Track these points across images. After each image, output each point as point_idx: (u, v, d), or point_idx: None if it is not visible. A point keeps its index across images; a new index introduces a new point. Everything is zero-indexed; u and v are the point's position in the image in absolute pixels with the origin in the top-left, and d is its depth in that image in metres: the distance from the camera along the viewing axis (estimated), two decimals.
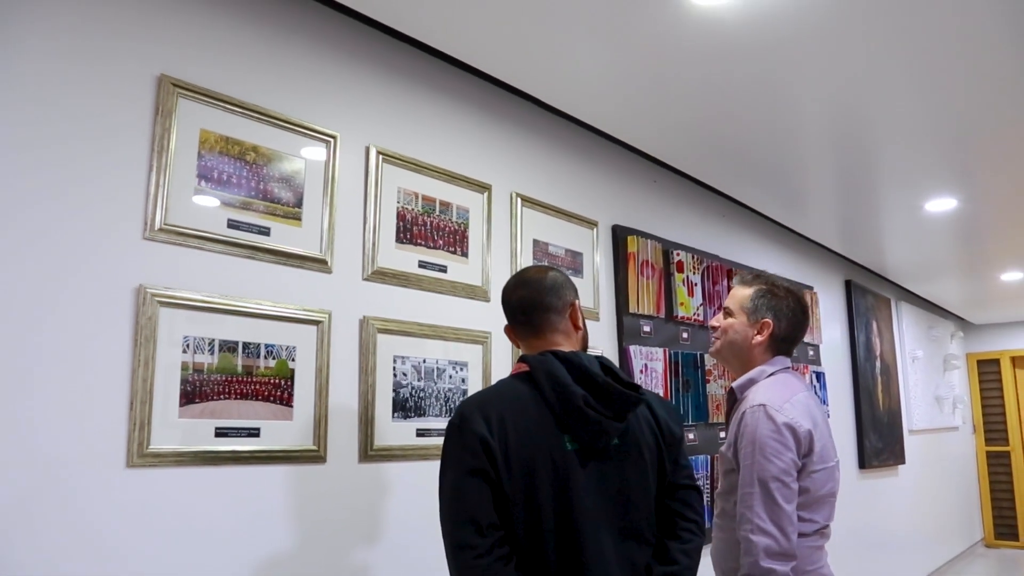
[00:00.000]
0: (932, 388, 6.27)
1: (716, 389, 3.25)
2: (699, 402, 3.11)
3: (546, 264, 1.53)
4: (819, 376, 4.14)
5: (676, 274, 3.12)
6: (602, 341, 2.71)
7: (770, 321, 1.77)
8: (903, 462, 5.33)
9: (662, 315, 3.00)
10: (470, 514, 1.26)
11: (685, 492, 1.48)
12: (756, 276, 1.85)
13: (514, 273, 1.69)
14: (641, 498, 1.40)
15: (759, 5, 1.89)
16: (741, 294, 1.82)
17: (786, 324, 1.77)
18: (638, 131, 2.82)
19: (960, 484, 7.02)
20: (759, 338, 1.77)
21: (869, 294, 5.13)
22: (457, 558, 1.25)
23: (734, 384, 1.79)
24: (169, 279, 1.54)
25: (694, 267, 3.22)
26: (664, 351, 2.95)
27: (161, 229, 1.54)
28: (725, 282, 3.43)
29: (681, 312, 3.09)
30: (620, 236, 2.87)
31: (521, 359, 1.44)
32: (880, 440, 4.92)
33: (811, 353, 4.15)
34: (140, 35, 1.57)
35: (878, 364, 5.09)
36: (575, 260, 2.64)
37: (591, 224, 2.74)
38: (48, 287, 1.38)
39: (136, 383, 1.46)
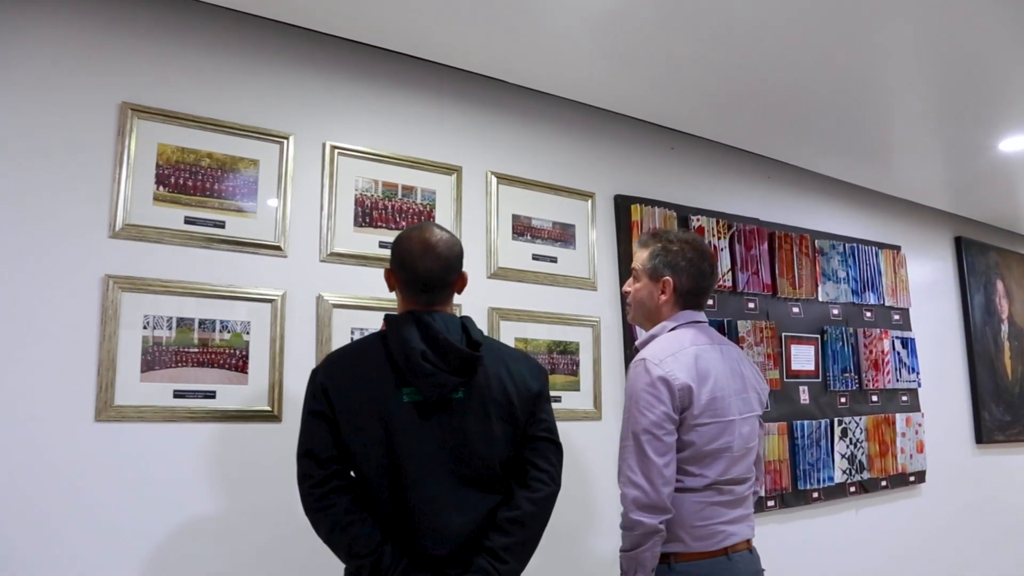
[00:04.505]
0: None
1: (754, 357, 3.14)
2: None
3: (442, 227, 1.61)
4: (906, 342, 3.79)
5: None
6: (601, 310, 2.75)
7: (670, 278, 1.76)
8: None
9: None
10: (310, 448, 1.46)
11: (541, 444, 1.56)
12: (653, 235, 1.83)
13: (416, 229, 1.59)
14: (484, 449, 1.50)
15: None
16: (640, 256, 1.83)
17: (687, 278, 1.76)
18: (649, 105, 2.82)
19: None
20: (663, 297, 1.78)
21: (991, 251, 4.56)
22: (300, 486, 1.46)
23: (636, 342, 1.80)
24: (132, 269, 1.88)
25: (719, 232, 3.13)
26: None
27: (123, 229, 1.88)
28: (765, 246, 3.29)
29: None
30: (622, 206, 2.88)
31: (384, 317, 1.58)
32: (1008, 412, 4.38)
33: (896, 317, 3.81)
34: (104, 68, 1.92)
35: (1005, 328, 4.52)
36: (564, 232, 2.70)
37: (586, 196, 2.78)
38: (29, 278, 1.76)
39: (102, 353, 1.81)
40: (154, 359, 1.87)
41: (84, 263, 1.83)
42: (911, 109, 2.89)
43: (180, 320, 1.92)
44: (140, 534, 1.80)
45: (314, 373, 1.52)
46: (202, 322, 1.95)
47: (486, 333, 2.41)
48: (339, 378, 1.48)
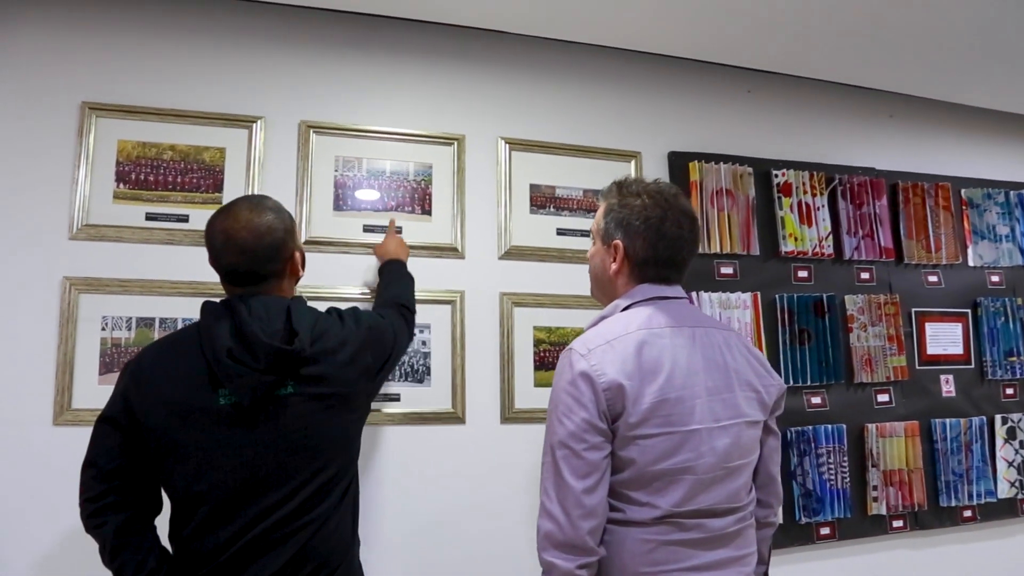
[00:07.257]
0: None
1: (868, 340, 2.52)
2: (827, 357, 2.44)
3: (257, 204, 1.36)
4: None
5: (781, 199, 2.50)
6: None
7: (620, 242, 1.36)
8: None
9: (755, 252, 2.44)
10: (94, 459, 1.30)
11: None
12: (617, 185, 1.42)
13: (221, 213, 1.36)
14: (305, 469, 1.27)
15: None
16: (597, 214, 1.44)
17: (642, 242, 1.34)
18: (713, 42, 2.31)
19: None
20: (615, 265, 1.38)
21: None
22: (79, 499, 1.30)
23: (585, 326, 1.42)
24: (91, 270, 1.83)
25: (813, 188, 2.54)
26: (754, 296, 2.39)
27: (82, 230, 1.84)
28: (883, 201, 2.63)
29: (790, 246, 2.47)
30: (677, 164, 2.42)
31: (202, 305, 1.37)
32: None
33: None
34: (64, 69, 1.89)
35: None
36: (598, 200, 2.31)
37: (628, 156, 2.37)
38: None
39: (60, 356, 1.78)
40: (113, 361, 1.82)
41: (42, 266, 1.81)
42: None
43: (140, 320, 1.85)
44: None
45: (123, 370, 1.34)
46: (163, 321, 1.86)
47: (496, 322, 2.13)
48: (146, 379, 1.30)
